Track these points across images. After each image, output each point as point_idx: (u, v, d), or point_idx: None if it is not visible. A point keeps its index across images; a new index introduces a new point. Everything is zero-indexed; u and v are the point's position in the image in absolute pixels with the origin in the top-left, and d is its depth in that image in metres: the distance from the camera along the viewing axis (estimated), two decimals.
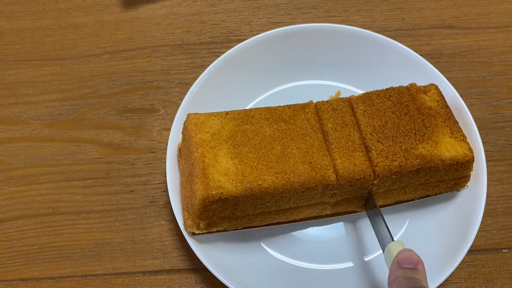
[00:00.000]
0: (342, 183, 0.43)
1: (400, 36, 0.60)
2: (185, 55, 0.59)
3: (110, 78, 0.58)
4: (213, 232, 0.45)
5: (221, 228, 0.44)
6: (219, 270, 0.44)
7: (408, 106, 0.46)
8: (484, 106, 0.56)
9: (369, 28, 0.60)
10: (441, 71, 0.53)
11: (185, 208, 0.45)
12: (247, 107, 0.54)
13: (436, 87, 0.49)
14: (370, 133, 0.45)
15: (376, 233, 0.45)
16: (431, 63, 0.53)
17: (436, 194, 0.49)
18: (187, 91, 0.57)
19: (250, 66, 0.54)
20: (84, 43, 0.60)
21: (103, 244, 0.50)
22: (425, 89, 0.48)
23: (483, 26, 0.60)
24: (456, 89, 0.53)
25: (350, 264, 0.48)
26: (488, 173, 0.49)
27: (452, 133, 0.46)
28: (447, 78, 0.53)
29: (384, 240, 0.43)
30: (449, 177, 0.46)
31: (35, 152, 0.54)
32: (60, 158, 0.54)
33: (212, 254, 0.46)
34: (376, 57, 0.55)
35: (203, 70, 0.58)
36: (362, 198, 0.47)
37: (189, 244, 0.45)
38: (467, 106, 0.51)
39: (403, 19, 0.61)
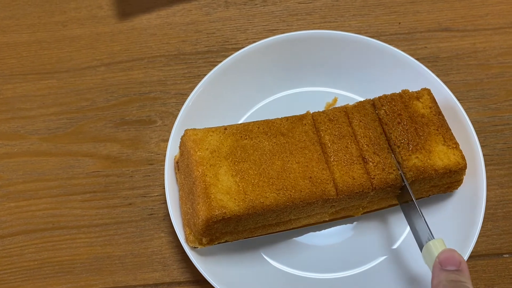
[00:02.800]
0: (341, 197, 0.43)
1: (396, 40, 0.59)
2: (181, 65, 0.59)
3: (107, 90, 0.58)
4: (214, 244, 0.45)
5: (223, 241, 0.45)
6: (219, 281, 0.44)
7: (401, 115, 0.46)
8: (482, 109, 0.56)
9: (365, 33, 0.60)
10: (438, 75, 0.53)
11: (186, 224, 0.45)
12: (245, 116, 0.54)
13: (429, 92, 0.48)
14: (366, 144, 0.45)
15: (411, 229, 0.44)
16: (428, 66, 0.53)
17: (428, 196, 0.49)
18: (184, 102, 0.56)
19: (246, 75, 0.54)
20: (80, 56, 0.60)
21: (103, 258, 0.50)
22: (418, 95, 0.48)
23: (479, 28, 0.60)
24: (454, 92, 0.53)
25: (351, 272, 0.48)
26: (488, 177, 0.49)
27: (444, 141, 0.45)
28: (445, 82, 0.52)
29: (421, 237, 0.42)
30: (442, 183, 0.46)
31: (34, 166, 0.54)
32: (58, 172, 0.54)
33: (212, 266, 0.46)
34: (372, 63, 0.54)
35: (200, 80, 0.58)
36: (360, 206, 0.47)
37: (189, 257, 0.45)
38: (465, 109, 0.51)
39: (399, 23, 0.60)
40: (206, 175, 0.42)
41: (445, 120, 0.47)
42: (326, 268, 0.48)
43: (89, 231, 0.51)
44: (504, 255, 0.49)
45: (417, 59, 0.54)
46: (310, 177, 0.43)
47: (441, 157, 0.45)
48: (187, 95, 0.57)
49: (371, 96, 0.49)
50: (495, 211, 0.51)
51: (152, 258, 0.50)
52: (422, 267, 0.46)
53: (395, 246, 0.48)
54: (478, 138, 0.49)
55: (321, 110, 0.48)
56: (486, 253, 0.49)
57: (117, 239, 0.51)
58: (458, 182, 0.47)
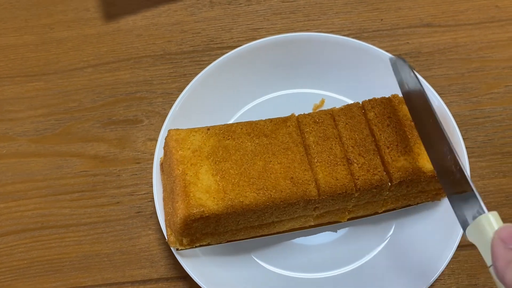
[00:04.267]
0: (324, 197, 0.43)
1: (379, 37, 0.60)
2: (167, 65, 0.60)
3: (94, 91, 0.59)
4: (197, 247, 0.45)
5: (205, 243, 0.44)
6: (204, 279, 0.45)
7: (390, 118, 0.46)
8: (464, 103, 0.57)
9: (348, 30, 0.61)
10: (420, 70, 0.54)
11: (168, 225, 0.45)
12: (234, 118, 0.54)
13: None
14: (352, 146, 0.44)
15: (452, 203, 0.38)
16: (410, 62, 0.54)
17: (417, 204, 0.49)
18: (170, 101, 0.58)
19: (235, 76, 0.54)
20: (68, 58, 0.61)
21: (92, 256, 0.51)
22: None
23: (460, 23, 0.61)
24: (435, 87, 0.54)
25: (342, 270, 0.48)
26: (469, 169, 0.50)
27: None
28: (427, 77, 0.53)
29: (466, 213, 0.36)
30: (430, 188, 0.46)
31: (22, 167, 0.55)
32: (47, 173, 0.55)
33: (198, 263, 0.46)
34: (358, 64, 0.54)
35: (185, 79, 0.59)
36: (345, 209, 0.47)
37: (177, 257, 0.45)
38: (447, 103, 0.52)
39: (381, 19, 0.61)
40: (187, 174, 0.41)
41: None
42: (316, 268, 0.48)
43: (78, 229, 0.52)
44: None
45: (399, 54, 0.55)
46: (292, 178, 0.42)
47: (429, 160, 0.44)
48: (173, 94, 0.58)
49: (359, 97, 0.49)
50: None
51: (140, 255, 0.51)
52: (414, 261, 0.47)
53: (385, 242, 0.49)
54: (460, 131, 0.50)
55: (309, 111, 0.48)
56: (468, 243, 0.50)
57: (106, 237, 0.52)
58: None
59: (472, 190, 0.36)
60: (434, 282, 0.47)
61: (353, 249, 0.49)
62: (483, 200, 0.35)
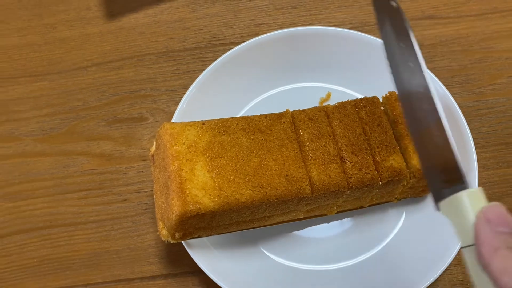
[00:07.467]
0: (317, 195, 0.43)
1: None
2: (170, 62, 0.60)
3: (98, 89, 0.59)
4: (188, 239, 0.45)
5: (196, 236, 0.44)
6: (216, 274, 0.45)
7: (381, 118, 0.46)
8: (467, 94, 0.57)
9: (350, 24, 0.61)
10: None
11: (160, 218, 0.45)
12: (241, 113, 0.55)
13: None
14: (345, 144, 0.45)
15: (426, 173, 0.32)
16: None
17: (402, 199, 0.49)
18: (174, 98, 0.58)
19: (241, 72, 0.54)
20: (71, 57, 0.61)
21: (101, 253, 0.51)
22: None
23: (462, 15, 0.61)
24: (439, 79, 0.54)
25: (350, 262, 0.48)
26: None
27: None
28: (430, 68, 0.53)
29: (442, 184, 0.30)
30: (419, 185, 0.47)
31: (29, 167, 0.55)
32: (54, 172, 0.55)
33: (209, 258, 0.47)
34: (361, 56, 0.54)
35: (189, 76, 0.59)
36: (335, 205, 0.47)
37: (187, 250, 0.46)
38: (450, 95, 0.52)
39: None
40: (182, 170, 0.41)
41: None
42: (325, 259, 0.49)
43: (86, 227, 0.52)
44: None
45: None
46: (286, 175, 0.42)
47: (417, 160, 0.45)
48: (177, 91, 0.58)
49: (365, 90, 0.49)
50: None
51: (149, 251, 0.51)
52: (423, 251, 0.47)
53: (394, 233, 0.49)
54: None
55: (315, 105, 0.48)
56: None
57: (114, 234, 0.52)
58: None
59: (455, 158, 0.31)
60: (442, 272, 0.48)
61: (361, 241, 0.49)
62: (486, 192, 0.32)
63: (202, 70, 0.53)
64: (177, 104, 0.57)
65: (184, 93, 0.52)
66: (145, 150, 0.56)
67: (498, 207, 0.28)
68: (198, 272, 0.50)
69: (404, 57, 0.35)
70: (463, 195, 0.29)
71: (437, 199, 0.31)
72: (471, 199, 0.29)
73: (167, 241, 0.44)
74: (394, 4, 0.32)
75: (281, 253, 0.49)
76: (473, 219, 0.28)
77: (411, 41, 0.34)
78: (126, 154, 0.55)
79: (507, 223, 0.27)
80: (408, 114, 0.34)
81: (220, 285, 0.45)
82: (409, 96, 0.34)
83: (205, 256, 0.47)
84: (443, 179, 0.31)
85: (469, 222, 0.29)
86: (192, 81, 0.53)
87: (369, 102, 0.47)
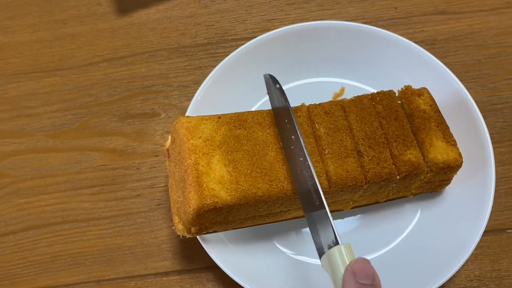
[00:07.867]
0: (334, 189, 0.43)
1: (393, 25, 0.60)
2: (182, 58, 0.60)
3: (110, 85, 0.59)
4: (203, 234, 0.44)
5: (211, 231, 0.44)
6: (232, 269, 0.45)
7: (397, 111, 0.46)
8: (481, 89, 0.56)
9: (362, 19, 0.60)
10: (436, 57, 0.53)
11: (176, 212, 0.44)
12: (254, 108, 0.54)
13: (428, 91, 0.48)
14: (362, 138, 0.44)
15: (312, 232, 0.39)
16: (426, 49, 0.54)
17: (418, 194, 0.49)
18: (186, 94, 0.58)
19: (255, 67, 0.53)
20: (82, 53, 0.61)
21: (114, 249, 0.51)
22: (419, 92, 0.48)
23: (475, 10, 0.60)
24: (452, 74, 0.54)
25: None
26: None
27: (444, 137, 0.46)
28: (443, 64, 0.53)
29: (323, 241, 0.37)
30: (435, 179, 0.47)
31: (41, 163, 0.55)
32: (66, 168, 0.55)
33: (224, 253, 0.46)
34: (375, 51, 0.54)
35: (201, 72, 0.59)
36: (351, 199, 0.47)
37: (202, 245, 0.45)
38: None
39: (396, 8, 0.61)
40: (199, 164, 0.41)
41: (444, 118, 0.47)
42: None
43: (99, 223, 0.52)
44: (507, 230, 0.50)
45: (414, 42, 0.54)
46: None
47: (440, 152, 0.45)
48: (189, 87, 0.58)
49: (379, 85, 0.48)
50: (497, 188, 0.51)
51: (162, 247, 0.51)
52: (440, 247, 0.46)
53: (409, 229, 0.49)
54: None
55: (329, 100, 0.48)
56: (489, 229, 0.50)
57: (127, 230, 0.52)
58: (448, 181, 0.48)
59: (328, 219, 0.37)
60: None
61: (376, 236, 0.49)
62: (494, 187, 0.34)
63: (214, 66, 0.52)
64: (189, 99, 0.57)
65: (196, 89, 0.51)
66: (157, 146, 0.55)
67: (362, 262, 0.34)
68: (212, 267, 0.49)
69: (279, 104, 0.45)
70: (335, 250, 0.35)
71: (319, 254, 0.37)
72: (340, 255, 0.35)
73: (182, 236, 0.44)
74: (277, 86, 0.44)
75: (295, 248, 0.49)
76: (342, 271, 0.34)
77: (286, 103, 0.44)
78: (139, 149, 0.55)
79: (370, 275, 0.33)
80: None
81: (235, 280, 0.44)
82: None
83: (220, 251, 0.46)
84: (322, 237, 0.37)
85: (340, 274, 0.34)
86: (204, 76, 0.52)
87: (386, 96, 0.47)
